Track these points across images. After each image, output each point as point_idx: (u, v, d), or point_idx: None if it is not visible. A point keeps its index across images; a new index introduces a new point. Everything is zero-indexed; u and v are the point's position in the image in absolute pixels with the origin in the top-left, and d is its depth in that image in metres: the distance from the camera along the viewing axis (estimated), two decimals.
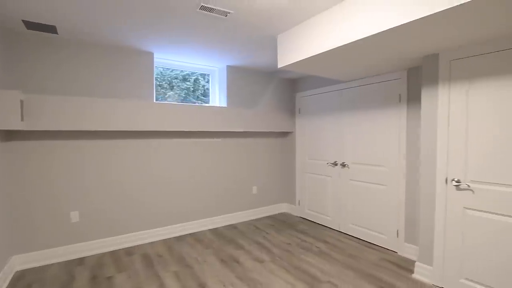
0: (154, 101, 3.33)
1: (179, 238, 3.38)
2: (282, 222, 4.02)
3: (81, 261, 2.78)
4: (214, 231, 3.62)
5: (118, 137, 3.06)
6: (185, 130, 3.31)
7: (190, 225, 3.58)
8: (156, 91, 3.64)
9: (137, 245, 3.17)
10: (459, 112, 2.15)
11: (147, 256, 2.88)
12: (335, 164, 3.61)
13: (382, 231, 3.08)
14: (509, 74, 1.89)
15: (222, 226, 3.82)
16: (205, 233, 3.55)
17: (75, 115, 2.64)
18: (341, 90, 3.53)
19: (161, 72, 3.72)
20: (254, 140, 4.16)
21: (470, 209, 2.09)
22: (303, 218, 4.20)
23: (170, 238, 3.40)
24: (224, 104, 3.93)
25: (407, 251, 2.84)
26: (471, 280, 2.09)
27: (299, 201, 4.26)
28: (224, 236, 3.46)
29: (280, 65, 2.72)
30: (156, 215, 3.33)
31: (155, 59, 3.44)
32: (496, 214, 1.97)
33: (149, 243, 3.24)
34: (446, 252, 2.23)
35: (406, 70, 2.82)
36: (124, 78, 3.11)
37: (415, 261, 2.73)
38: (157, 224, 3.34)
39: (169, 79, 3.84)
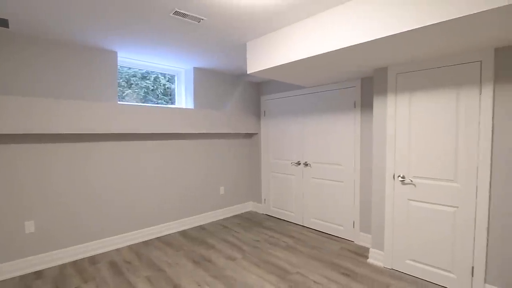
0: (117, 102, 3.21)
1: (147, 243, 3.32)
2: (249, 220, 4.18)
3: (39, 274, 2.58)
4: (183, 233, 3.63)
5: (73, 140, 2.89)
6: (151, 132, 3.26)
7: (157, 229, 3.53)
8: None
9: (102, 253, 3.04)
10: (403, 118, 2.53)
11: (114, 264, 2.79)
12: (298, 163, 3.88)
13: (340, 223, 3.43)
14: (435, 88, 2.30)
15: (191, 228, 3.83)
16: (174, 236, 3.54)
17: (29, 117, 2.45)
18: (303, 95, 3.81)
19: (118, 70, 3.59)
20: (221, 142, 4.24)
21: (412, 200, 2.49)
22: (269, 215, 4.42)
23: (137, 243, 3.31)
24: (191, 105, 3.94)
25: (363, 239, 3.21)
26: (414, 260, 2.49)
27: (264, 199, 4.46)
28: (193, 237, 3.49)
29: (249, 71, 2.86)
30: (121, 220, 3.22)
31: (118, 58, 3.31)
32: (430, 203, 2.38)
33: (115, 250, 3.13)
34: (394, 238, 2.61)
35: (360, 79, 3.18)
36: (85, 78, 2.95)
37: (369, 248, 3.11)
38: (122, 229, 3.23)
39: (127, 76, 3.71)
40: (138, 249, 3.13)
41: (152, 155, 3.47)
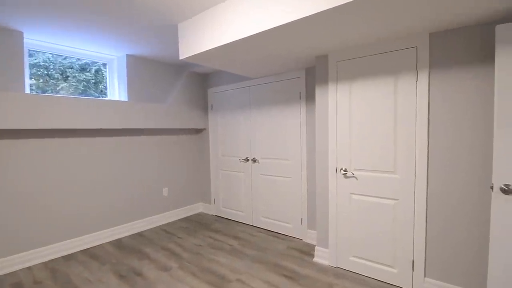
0: (26, 92, 2.68)
1: (69, 257, 2.84)
2: (197, 223, 3.86)
3: None
4: (116, 243, 3.19)
5: None
6: (73, 127, 2.78)
7: (84, 240, 3.06)
8: (43, 82, 2.96)
9: (7, 274, 2.51)
10: (344, 109, 2.39)
11: (19, 286, 2.30)
12: (246, 160, 3.65)
13: (288, 221, 3.26)
14: (374, 76, 2.19)
15: (127, 236, 3.41)
16: (104, 247, 3.10)
17: None
18: (250, 87, 3.57)
19: (49, 59, 3.04)
20: (164, 138, 3.85)
21: (354, 194, 2.37)
22: (219, 216, 4.13)
23: (55, 258, 2.82)
24: (124, 98, 3.49)
25: (310, 236, 3.07)
26: (357, 257, 2.38)
27: (214, 199, 4.17)
28: (127, 246, 3.08)
29: (181, 57, 2.54)
30: (36, 231, 2.71)
31: (28, 41, 2.77)
32: (371, 196, 2.27)
33: (26, 268, 2.62)
34: (338, 235, 2.48)
35: (305, 69, 3.02)
36: None
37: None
38: (37, 243, 2.72)
39: (62, 68, 3.18)
40: (55, 266, 2.66)
41: (77, 154, 2.98)
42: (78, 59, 3.30)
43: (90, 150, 3.10)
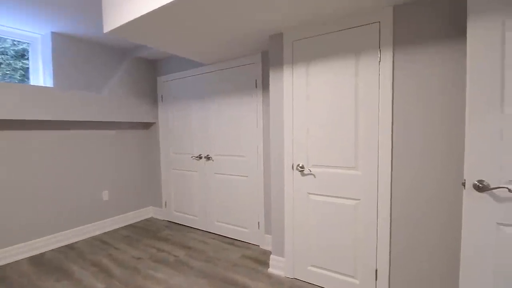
0: None
1: None
2: (143, 230, 3.36)
3: None
4: (37, 259, 2.63)
5: None
6: None
7: None
8: None
9: None
10: (301, 97, 2.07)
11: None
12: (199, 157, 3.23)
13: (245, 225, 2.90)
14: (333, 57, 1.89)
15: (53, 249, 2.84)
16: (20, 264, 2.52)
17: None
18: (203, 75, 3.15)
19: None
20: (105, 133, 3.31)
21: (312, 193, 2.05)
22: (171, 222, 3.66)
23: None
24: (50, 84, 2.92)
25: (268, 242, 2.73)
26: (316, 266, 2.07)
27: (165, 202, 3.69)
28: (49, 263, 2.53)
29: (105, 30, 2.06)
30: None
31: None
32: (330, 196, 1.97)
33: None
34: (295, 241, 2.16)
35: (261, 53, 2.67)
36: None
37: None
38: None
39: None
40: None
41: None
42: (14, 43, 2.72)
43: (9, 145, 2.51)
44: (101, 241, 3.03)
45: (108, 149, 3.35)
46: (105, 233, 3.29)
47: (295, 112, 2.10)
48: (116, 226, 3.45)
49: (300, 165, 2.08)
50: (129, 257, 2.63)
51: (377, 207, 1.79)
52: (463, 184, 1.41)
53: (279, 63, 2.17)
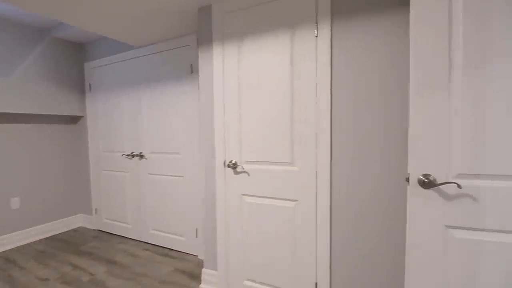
0: None
1: None
2: (65, 243, 2.83)
3: None
4: None
5: None
6: None
7: None
8: None
9: None
10: (232, 81, 1.74)
11: None
12: (132, 155, 2.78)
13: (182, 233, 2.52)
14: (267, 32, 1.59)
15: None
16: None
17: None
18: (135, 59, 2.71)
19: None
20: (16, 128, 2.73)
21: (246, 195, 1.73)
22: (102, 231, 3.16)
23: None
24: None
25: None
26: (252, 280, 1.75)
27: (96, 209, 3.18)
28: None
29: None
30: None
31: None
32: (265, 197, 1.67)
33: None
34: (229, 252, 1.83)
35: (195, 33, 2.31)
36: None
37: None
38: None
39: None
40: None
41: None
42: None
43: None
44: (5, 259, 2.47)
45: (20, 147, 2.77)
46: (14, 248, 2.71)
47: (226, 99, 1.77)
48: (31, 240, 2.87)
49: (233, 162, 1.75)
50: (32, 279, 2.13)
51: (316, 210, 1.51)
52: (407, 180, 1.17)
53: (208, 41, 1.82)
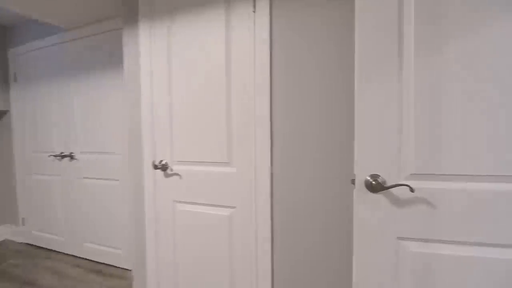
0: None
1: None
2: None
3: None
4: None
5: None
6: None
7: None
8: None
9: None
10: (162, 66, 1.46)
11: None
12: (62, 156, 2.38)
13: (118, 245, 2.18)
14: (201, 8, 1.33)
15: None
16: None
17: None
18: (64, 44, 2.32)
19: None
20: None
21: (179, 201, 1.46)
22: (30, 244, 2.71)
23: None
24: None
25: None
26: None
27: (23, 219, 2.72)
28: None
29: None
30: None
31: None
32: (199, 204, 1.40)
33: None
34: (160, 272, 1.53)
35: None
36: None
37: None
38: None
39: None
40: None
41: None
42: None
43: None
44: None
45: None
46: None
47: (155, 89, 1.48)
48: None
49: (163, 162, 1.47)
50: None
51: (256, 218, 1.27)
52: (353, 182, 0.95)
53: (134, 19, 1.53)
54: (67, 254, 2.47)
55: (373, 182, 0.89)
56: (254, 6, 1.22)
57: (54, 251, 2.55)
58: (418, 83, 0.86)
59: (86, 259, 2.37)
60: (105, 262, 2.25)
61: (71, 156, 2.33)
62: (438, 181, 0.87)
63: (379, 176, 0.90)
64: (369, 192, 0.91)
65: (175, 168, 1.44)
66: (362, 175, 0.92)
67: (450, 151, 0.84)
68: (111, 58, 2.07)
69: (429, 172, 0.87)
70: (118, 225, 2.15)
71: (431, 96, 0.85)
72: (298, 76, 1.17)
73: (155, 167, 1.44)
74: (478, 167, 0.82)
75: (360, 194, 0.93)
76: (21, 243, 2.75)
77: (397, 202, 0.90)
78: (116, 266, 2.21)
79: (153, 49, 1.47)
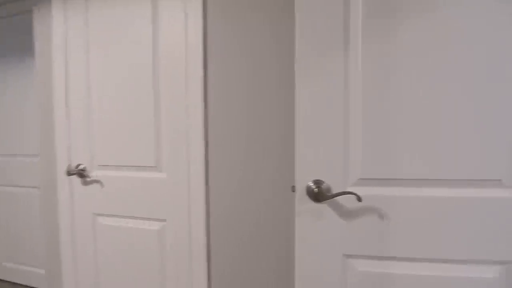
0: None
1: None
2: None
3: None
4: None
5: None
6: None
7: None
8: None
9: None
10: (78, 48, 1.19)
11: None
12: None
13: (41, 264, 1.84)
14: None
15: None
16: None
17: None
18: None
19: None
20: None
21: (101, 214, 1.20)
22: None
23: None
24: None
25: None
26: None
27: None
28: None
29: None
30: None
31: None
32: (125, 217, 1.16)
33: None
34: None
35: None
36: None
37: None
38: None
39: None
40: None
41: None
42: None
43: None
44: None
45: None
46: None
47: (70, 77, 1.21)
48: None
49: (81, 167, 1.20)
50: None
51: (190, 233, 1.06)
52: (293, 189, 0.79)
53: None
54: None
55: (316, 190, 0.73)
56: None
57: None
58: (366, 74, 0.71)
59: (3, 280, 1.98)
60: (26, 284, 1.90)
61: None
62: (390, 187, 0.74)
63: (323, 182, 0.75)
64: (311, 202, 0.75)
65: (95, 174, 1.19)
66: (303, 181, 0.76)
67: (403, 151, 0.72)
68: (20, 45, 1.73)
69: (380, 176, 0.74)
70: (41, 241, 1.81)
71: (381, 89, 0.71)
72: (238, 71, 0.99)
73: (69, 173, 1.17)
74: (436, 169, 0.70)
75: (301, 203, 0.77)
76: None
77: (344, 213, 0.75)
78: None
79: (68, 30, 1.20)
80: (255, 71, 0.97)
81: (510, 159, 0.67)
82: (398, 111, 0.71)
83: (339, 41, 0.72)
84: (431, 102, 0.69)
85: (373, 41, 0.71)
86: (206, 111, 1.02)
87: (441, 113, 0.69)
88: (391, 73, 0.70)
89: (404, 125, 0.71)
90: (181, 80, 1.04)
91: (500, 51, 0.65)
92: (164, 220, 1.10)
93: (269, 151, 0.97)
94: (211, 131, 1.02)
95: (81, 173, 1.19)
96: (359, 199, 0.69)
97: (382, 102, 0.72)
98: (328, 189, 0.75)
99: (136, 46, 1.10)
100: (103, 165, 1.18)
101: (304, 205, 0.76)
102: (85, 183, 1.21)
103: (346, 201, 0.75)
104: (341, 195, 0.71)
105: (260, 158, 0.98)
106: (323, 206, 0.76)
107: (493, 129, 0.67)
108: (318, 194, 0.73)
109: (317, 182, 0.75)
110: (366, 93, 0.72)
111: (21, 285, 1.94)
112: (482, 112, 0.67)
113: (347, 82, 0.73)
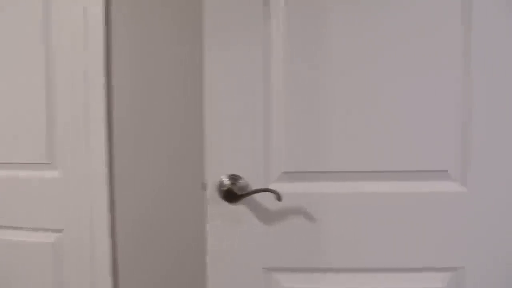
0: None
1: None
2: None
3: None
4: None
5: None
6: None
7: None
8: None
9: None
10: None
11: None
12: None
13: None
14: None
15: None
16: None
17: None
18: None
19: None
20: None
21: None
22: None
23: None
24: None
25: None
26: None
27: None
28: None
29: None
30: None
31: None
32: (10, 227, 0.92)
33: None
34: None
35: None
36: None
37: None
38: None
39: None
40: None
41: None
42: None
43: None
44: None
45: None
46: None
47: None
48: None
49: None
50: None
51: (94, 246, 0.85)
52: (204, 187, 0.63)
53: None
54: None
55: (226, 187, 0.57)
56: None
57: None
58: (294, 44, 0.58)
59: None
60: None
61: None
62: (320, 182, 0.60)
63: (240, 177, 0.60)
64: (224, 202, 0.59)
65: None
66: (215, 176, 0.60)
67: (336, 138, 0.59)
68: None
69: (309, 169, 0.60)
70: None
71: (310, 63, 0.58)
72: (143, 55, 0.81)
73: None
74: (374, 159, 0.58)
75: (214, 205, 0.61)
76: None
77: (265, 215, 0.61)
78: None
79: None
80: (161, 54, 0.80)
81: (458, 147, 0.56)
82: (330, 89, 0.58)
83: (258, 3, 0.58)
84: (370, 82, 0.57)
85: (300, 3, 0.57)
86: (110, 97, 0.82)
87: (382, 95, 0.57)
88: (323, 45, 0.58)
89: (337, 107, 0.58)
90: (78, 62, 0.83)
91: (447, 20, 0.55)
92: (61, 230, 0.87)
93: (187, 146, 0.80)
94: (117, 120, 0.83)
95: None
96: (278, 198, 0.54)
97: (312, 80, 0.58)
98: (247, 186, 0.59)
99: (23, 21, 0.87)
100: None
101: (217, 207, 0.60)
102: None
103: (269, 202, 0.60)
104: (256, 193, 0.57)
105: (176, 153, 0.81)
106: (239, 208, 0.60)
107: (437, 114, 0.56)
108: (230, 192, 0.57)
109: (233, 178, 0.59)
110: (292, 68, 0.59)
111: None
112: (426, 95, 0.56)
113: (269, 54, 0.59)
